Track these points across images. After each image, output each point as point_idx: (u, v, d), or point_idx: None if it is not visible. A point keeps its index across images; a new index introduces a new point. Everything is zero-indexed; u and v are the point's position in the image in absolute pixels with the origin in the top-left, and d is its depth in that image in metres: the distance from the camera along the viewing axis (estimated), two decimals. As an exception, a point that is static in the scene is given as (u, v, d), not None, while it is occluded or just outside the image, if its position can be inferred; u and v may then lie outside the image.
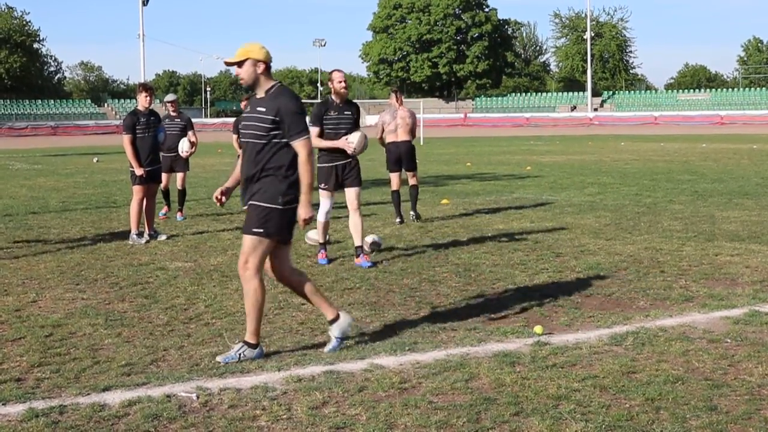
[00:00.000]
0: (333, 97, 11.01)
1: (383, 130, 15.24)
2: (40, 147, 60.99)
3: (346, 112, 10.96)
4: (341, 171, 10.84)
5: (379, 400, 5.69)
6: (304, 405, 5.59)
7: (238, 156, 7.01)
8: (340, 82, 10.82)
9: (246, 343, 6.64)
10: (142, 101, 13.05)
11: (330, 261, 10.98)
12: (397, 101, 15.34)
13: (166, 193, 16.27)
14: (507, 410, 5.44)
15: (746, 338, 7.07)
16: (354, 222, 10.90)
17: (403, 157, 15.07)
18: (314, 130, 10.52)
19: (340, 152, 10.77)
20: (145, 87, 13.22)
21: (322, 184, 10.88)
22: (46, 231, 14.26)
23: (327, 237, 11.30)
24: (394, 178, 14.96)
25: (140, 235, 12.90)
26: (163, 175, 15.26)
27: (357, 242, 10.90)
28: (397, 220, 14.75)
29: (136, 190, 13.00)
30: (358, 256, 10.82)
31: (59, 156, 44.66)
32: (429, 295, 8.95)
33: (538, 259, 10.95)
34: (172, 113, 16.01)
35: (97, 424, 5.33)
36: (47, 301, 8.96)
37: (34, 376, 6.33)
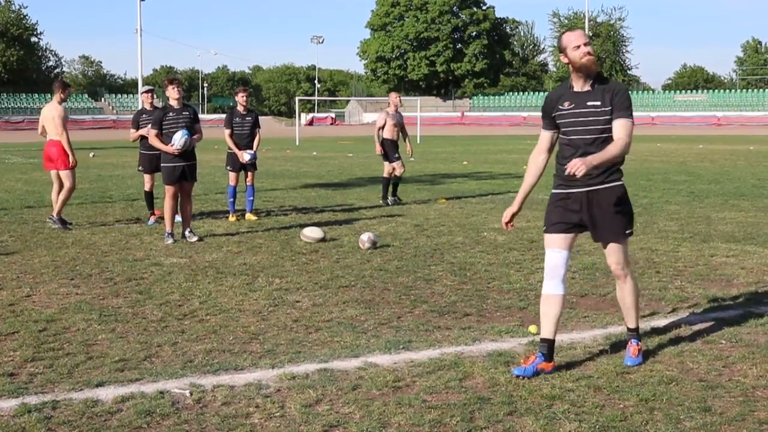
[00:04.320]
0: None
1: (382, 128, 18.02)
2: (36, 141, 60.87)
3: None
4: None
5: (373, 398, 5.68)
6: (298, 403, 5.58)
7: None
8: None
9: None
10: (172, 95, 12.77)
11: None
12: (395, 103, 18.19)
13: (150, 195, 15.06)
14: (501, 410, 5.43)
15: (741, 339, 7.07)
16: None
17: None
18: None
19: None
20: (171, 80, 12.90)
21: None
22: (41, 225, 14.23)
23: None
24: (388, 167, 17.84)
25: (169, 235, 12.56)
26: (146, 177, 15.10)
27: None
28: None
29: (168, 189, 12.72)
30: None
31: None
32: (424, 294, 8.94)
33: (534, 258, 10.95)
34: (149, 107, 15.42)
35: (90, 420, 5.31)
36: (41, 295, 8.95)
37: (27, 371, 6.31)
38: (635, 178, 23.97)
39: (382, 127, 17.92)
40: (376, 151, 18.19)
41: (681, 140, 57.02)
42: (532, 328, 7.33)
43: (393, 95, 18.46)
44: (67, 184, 14.19)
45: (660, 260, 10.77)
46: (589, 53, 6.27)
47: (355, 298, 8.72)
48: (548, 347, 6.25)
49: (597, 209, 6.25)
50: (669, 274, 9.92)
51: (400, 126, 18.09)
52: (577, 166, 5.83)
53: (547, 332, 6.28)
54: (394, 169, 17.79)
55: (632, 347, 6.45)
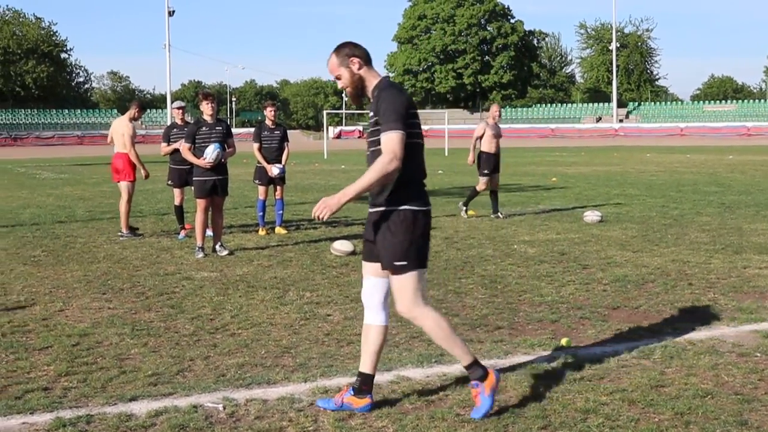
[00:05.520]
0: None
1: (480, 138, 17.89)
2: (66, 156, 61.46)
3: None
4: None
5: (406, 412, 5.67)
6: (331, 417, 5.58)
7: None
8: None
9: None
10: (206, 110, 12.90)
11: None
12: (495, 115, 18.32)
13: (181, 209, 15.15)
14: (534, 423, 5.40)
15: (776, 352, 7.01)
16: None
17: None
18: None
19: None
20: (206, 95, 12.96)
21: None
22: (72, 240, 14.34)
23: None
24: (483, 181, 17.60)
25: (200, 249, 12.60)
26: (176, 191, 15.21)
27: None
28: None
29: (200, 202, 12.77)
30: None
31: (85, 165, 44.94)
32: (455, 307, 8.92)
33: (565, 271, 10.91)
34: (180, 122, 15.48)
35: (124, 434, 5.34)
36: (74, 310, 9.00)
37: (62, 385, 6.35)
38: (665, 189, 23.86)
39: (481, 137, 17.64)
40: (468, 161, 17.99)
41: (710, 151, 56.67)
42: (565, 341, 7.30)
43: (494, 107, 18.32)
44: (123, 195, 14.76)
45: (692, 272, 10.69)
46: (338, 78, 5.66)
47: (386, 312, 8.70)
48: (362, 381, 5.74)
49: (376, 234, 5.61)
50: (702, 286, 9.84)
51: (498, 138, 17.76)
52: (319, 209, 5.36)
53: (362, 365, 5.81)
54: (484, 183, 17.46)
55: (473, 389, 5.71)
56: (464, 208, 17.49)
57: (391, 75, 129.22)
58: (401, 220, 5.51)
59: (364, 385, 5.74)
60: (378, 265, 5.63)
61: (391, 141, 5.32)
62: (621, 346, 7.31)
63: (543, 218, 16.92)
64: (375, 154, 5.48)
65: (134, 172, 14.84)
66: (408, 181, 5.49)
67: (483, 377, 5.63)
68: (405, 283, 5.56)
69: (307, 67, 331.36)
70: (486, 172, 17.49)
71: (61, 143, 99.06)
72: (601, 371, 6.52)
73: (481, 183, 17.55)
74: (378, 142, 5.43)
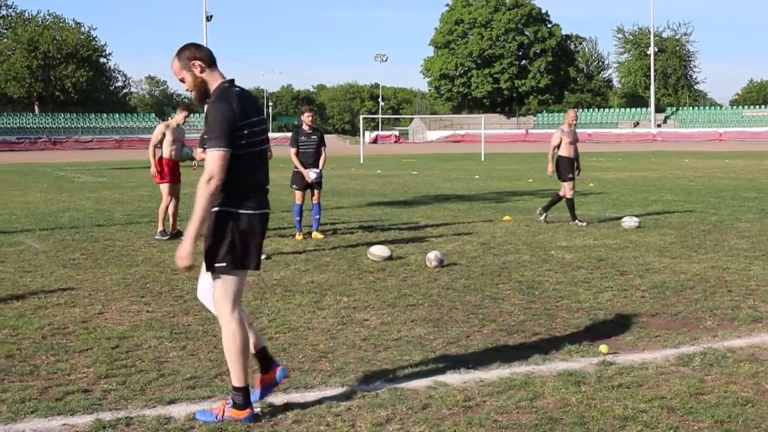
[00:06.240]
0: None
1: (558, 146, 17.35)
2: (104, 160, 61.97)
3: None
4: None
5: (444, 418, 5.66)
6: (368, 421, 5.58)
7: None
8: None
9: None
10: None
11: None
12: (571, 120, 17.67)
13: None
14: (572, 430, 5.38)
15: (818, 361, 6.93)
16: None
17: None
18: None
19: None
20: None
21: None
22: (111, 243, 14.46)
23: None
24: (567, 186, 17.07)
25: None
26: None
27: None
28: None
29: None
30: None
31: (123, 169, 45.29)
32: (492, 313, 8.90)
33: (603, 277, 10.85)
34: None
35: (163, 437, 5.38)
36: (113, 313, 9.07)
37: (101, 387, 6.40)
38: (703, 195, 23.67)
39: (558, 146, 17.21)
40: (548, 172, 17.55)
41: (750, 156, 56.15)
42: (603, 348, 7.27)
43: (571, 112, 17.84)
44: (165, 198, 15.35)
45: (732, 279, 10.60)
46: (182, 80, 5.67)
47: (423, 317, 8.71)
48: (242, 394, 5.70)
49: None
50: (741, 293, 9.75)
51: (575, 143, 17.40)
52: (179, 259, 5.49)
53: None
54: (565, 189, 17.03)
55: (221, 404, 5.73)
56: (576, 220, 16.82)
57: (427, 80, 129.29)
58: (220, 221, 5.56)
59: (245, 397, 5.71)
60: None
61: (211, 159, 5.35)
62: (660, 353, 7.26)
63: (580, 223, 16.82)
64: None
65: (173, 175, 15.25)
66: (235, 186, 5.51)
67: (238, 406, 5.61)
68: (218, 284, 5.65)
69: (344, 71, 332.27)
70: (570, 176, 17.01)
71: (100, 147, 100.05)
72: (640, 378, 6.48)
73: (567, 188, 17.01)
74: None
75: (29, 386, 6.42)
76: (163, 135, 15.08)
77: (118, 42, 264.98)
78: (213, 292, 5.70)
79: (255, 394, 5.87)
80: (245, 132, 5.45)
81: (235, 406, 5.60)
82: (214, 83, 5.58)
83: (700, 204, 20.90)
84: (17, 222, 18.26)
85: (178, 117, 15.22)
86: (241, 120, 5.43)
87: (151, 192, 26.74)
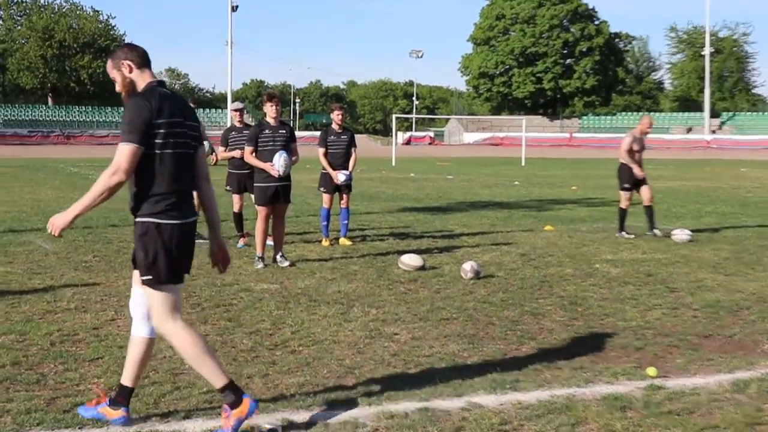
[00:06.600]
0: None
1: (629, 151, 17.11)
2: (121, 157, 62.17)
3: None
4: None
5: (478, 442, 5.62)
6: (397, 444, 5.55)
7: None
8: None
9: None
10: (269, 112, 12.92)
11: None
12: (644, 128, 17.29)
13: (240, 216, 15.41)
14: (618, 460, 5.32)
15: None
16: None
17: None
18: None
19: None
20: (271, 96, 13.12)
21: None
22: (125, 245, 14.49)
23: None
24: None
25: (260, 259, 12.72)
26: (235, 197, 15.34)
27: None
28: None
29: (261, 210, 12.92)
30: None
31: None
32: (532, 329, 8.85)
33: (651, 294, 10.77)
34: (238, 124, 15.66)
35: (177, 455, 5.37)
36: (126, 319, 9.06)
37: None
38: (762, 207, 23.47)
39: (629, 151, 16.96)
40: (638, 173, 16.96)
41: (811, 167, 55.71)
42: (651, 371, 7.19)
43: (646, 119, 17.36)
44: None
45: (791, 299, 10.48)
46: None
47: (458, 333, 8.67)
48: (118, 392, 5.97)
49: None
50: (802, 315, 9.64)
51: (642, 151, 17.13)
52: (51, 224, 5.61)
53: (123, 375, 6.00)
54: (627, 198, 16.89)
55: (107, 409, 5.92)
56: (622, 232, 16.67)
57: (465, 78, 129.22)
58: (144, 232, 5.65)
59: (120, 396, 5.91)
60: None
61: (120, 153, 5.60)
62: (713, 378, 7.18)
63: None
64: None
65: None
66: (152, 193, 5.64)
67: (234, 404, 5.67)
68: (152, 298, 5.68)
69: (376, 67, 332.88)
70: (627, 186, 16.90)
71: (116, 142, 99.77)
72: (691, 405, 6.41)
73: (624, 199, 16.89)
74: None
75: (36, 396, 6.44)
76: None
77: (138, 32, 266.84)
78: (150, 308, 5.75)
79: (87, 410, 5.97)
80: (162, 131, 5.62)
81: (233, 406, 5.64)
82: (142, 83, 5.84)
83: (758, 217, 20.73)
84: (27, 220, 18.40)
85: None
86: (157, 118, 5.61)
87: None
